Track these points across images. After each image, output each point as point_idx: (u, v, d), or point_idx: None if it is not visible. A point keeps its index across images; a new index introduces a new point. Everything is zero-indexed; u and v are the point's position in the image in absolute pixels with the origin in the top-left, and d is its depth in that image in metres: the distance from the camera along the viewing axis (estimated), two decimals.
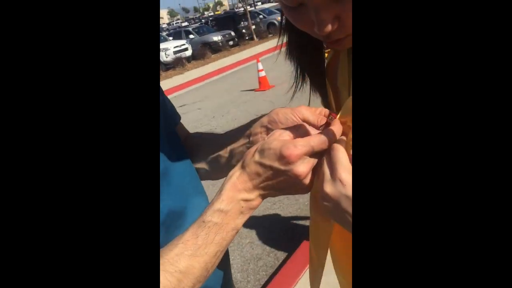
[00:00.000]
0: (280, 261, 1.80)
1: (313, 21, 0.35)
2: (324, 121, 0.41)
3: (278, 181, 0.36)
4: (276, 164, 0.35)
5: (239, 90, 5.68)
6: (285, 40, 0.48)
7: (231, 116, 4.47)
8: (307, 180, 0.36)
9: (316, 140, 0.36)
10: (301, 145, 0.35)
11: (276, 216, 2.18)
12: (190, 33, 13.47)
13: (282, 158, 0.35)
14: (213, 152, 0.51)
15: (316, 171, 0.37)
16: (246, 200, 0.37)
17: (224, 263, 0.51)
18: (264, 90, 5.17)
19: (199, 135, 0.58)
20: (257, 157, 0.36)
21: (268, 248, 1.93)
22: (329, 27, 0.34)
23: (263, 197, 0.38)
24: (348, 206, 0.32)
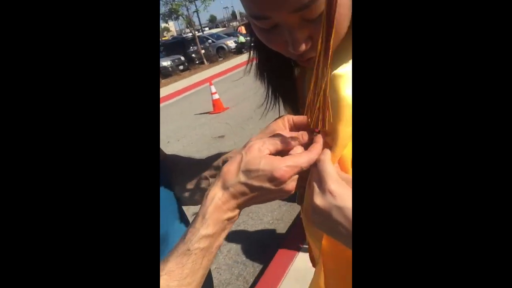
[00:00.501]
0: (250, 283, 1.76)
1: (286, 41, 0.37)
2: (306, 137, 0.41)
3: (266, 197, 0.37)
4: (267, 185, 0.35)
5: (193, 114, 5.63)
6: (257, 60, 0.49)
7: (187, 140, 4.39)
8: (293, 191, 0.37)
9: (304, 160, 0.36)
10: (292, 167, 0.35)
11: (241, 238, 2.14)
12: None
13: (273, 179, 0.35)
14: (194, 177, 0.49)
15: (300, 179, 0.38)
16: (230, 219, 0.37)
17: (208, 284, 0.49)
18: (219, 113, 5.18)
19: (176, 158, 0.56)
20: (243, 178, 0.36)
21: (236, 272, 1.88)
22: (303, 46, 0.36)
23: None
24: (339, 216, 0.33)
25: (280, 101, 0.53)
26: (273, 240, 2.04)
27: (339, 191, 0.33)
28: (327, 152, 0.37)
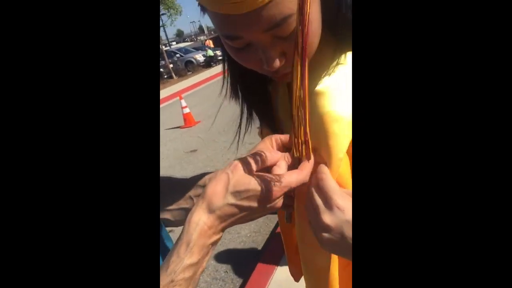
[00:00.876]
0: None
1: (261, 59, 0.37)
2: (289, 158, 0.39)
3: (252, 216, 0.36)
4: (257, 204, 0.34)
5: (164, 129, 5.52)
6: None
7: None
8: (279, 208, 0.37)
9: (294, 179, 0.35)
10: (283, 186, 0.35)
11: (219, 254, 2.09)
12: None
13: (264, 198, 0.34)
14: (177, 198, 0.47)
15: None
16: (214, 242, 0.35)
17: None
18: (190, 127, 5.12)
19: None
20: (232, 199, 0.34)
21: None
22: (277, 63, 0.37)
23: None
24: (351, 231, 0.32)
25: (255, 119, 0.52)
26: (252, 254, 2.01)
27: (346, 205, 0.33)
28: (325, 168, 0.36)
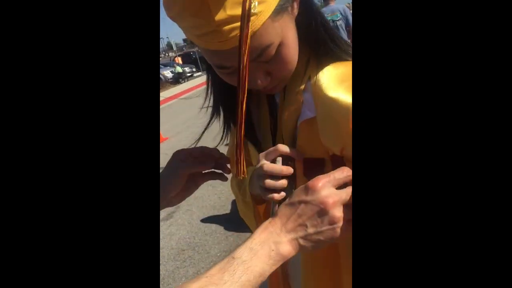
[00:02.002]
0: None
1: (249, 80, 0.42)
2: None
3: (306, 216, 0.38)
4: (303, 197, 0.39)
5: None
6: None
7: None
8: (336, 212, 0.38)
9: (336, 172, 0.40)
10: (323, 175, 0.40)
11: (188, 274, 2.02)
12: None
13: (307, 189, 0.39)
14: None
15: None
16: (276, 242, 0.38)
17: None
18: None
19: None
20: (287, 200, 0.41)
21: None
22: (263, 82, 0.43)
23: (295, 243, 0.39)
24: None
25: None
26: None
27: None
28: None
